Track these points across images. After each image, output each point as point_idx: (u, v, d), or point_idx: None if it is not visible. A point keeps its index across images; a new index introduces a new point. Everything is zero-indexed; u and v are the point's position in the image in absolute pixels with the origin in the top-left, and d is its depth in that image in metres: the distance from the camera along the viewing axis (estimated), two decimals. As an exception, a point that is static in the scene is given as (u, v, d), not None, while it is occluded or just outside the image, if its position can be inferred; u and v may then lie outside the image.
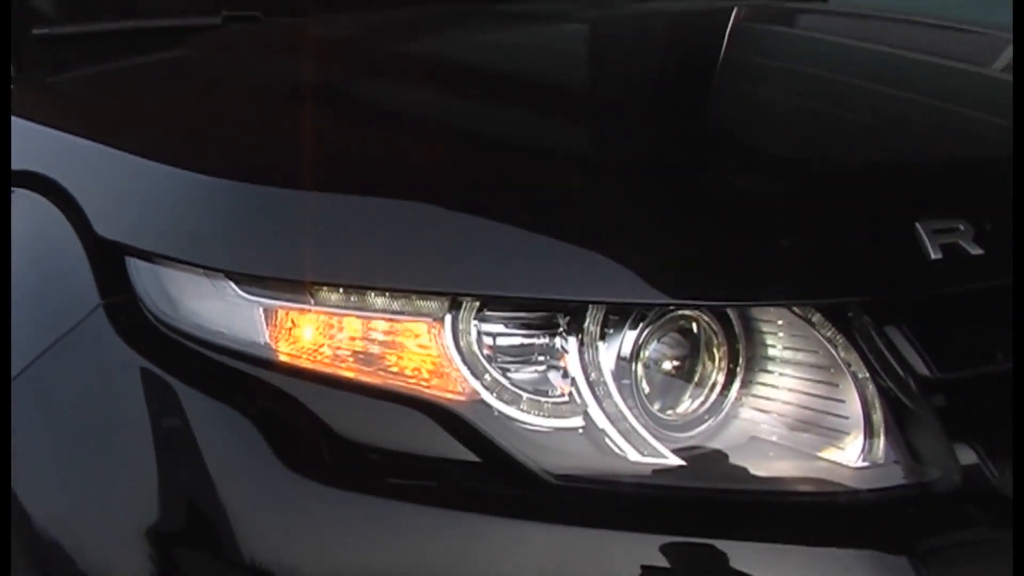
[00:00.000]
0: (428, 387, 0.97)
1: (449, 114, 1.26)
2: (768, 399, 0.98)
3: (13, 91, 1.68)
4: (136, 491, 1.00)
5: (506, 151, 1.14)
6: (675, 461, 0.95)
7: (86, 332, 1.10)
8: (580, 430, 0.95)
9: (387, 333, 0.99)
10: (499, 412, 0.95)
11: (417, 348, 0.98)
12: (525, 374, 0.97)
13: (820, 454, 0.96)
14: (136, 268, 1.11)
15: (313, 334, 1.01)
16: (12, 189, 1.38)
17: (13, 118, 1.56)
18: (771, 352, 0.98)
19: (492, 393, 0.95)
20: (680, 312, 0.97)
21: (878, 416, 0.95)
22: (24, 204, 1.31)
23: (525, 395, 0.96)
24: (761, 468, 0.96)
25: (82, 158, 1.29)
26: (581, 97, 1.39)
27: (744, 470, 0.96)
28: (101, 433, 1.06)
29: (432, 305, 0.97)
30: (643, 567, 0.89)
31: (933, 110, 1.41)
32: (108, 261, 1.13)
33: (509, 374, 0.96)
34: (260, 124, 1.27)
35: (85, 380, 1.09)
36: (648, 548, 0.90)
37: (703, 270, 0.97)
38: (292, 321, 1.01)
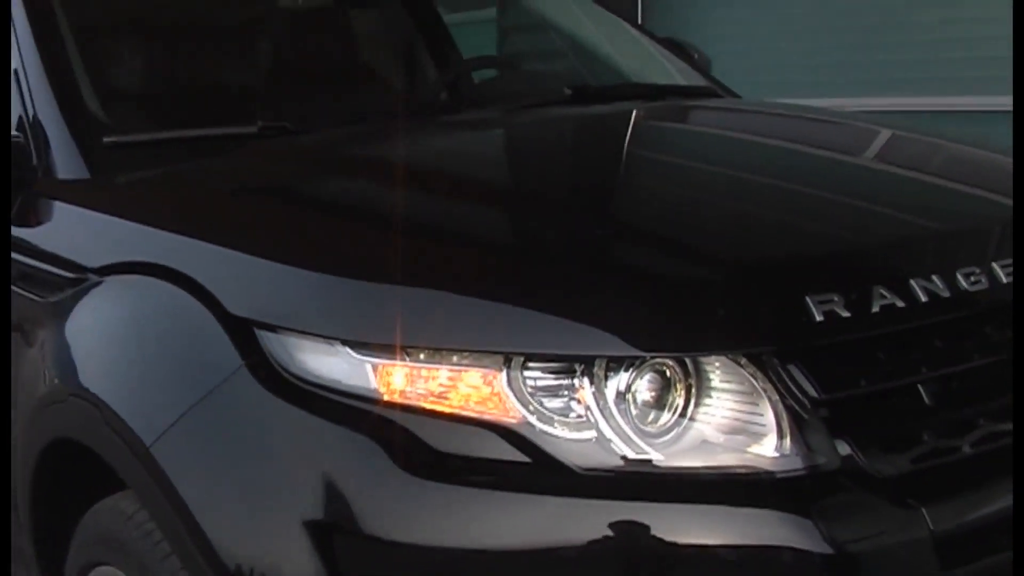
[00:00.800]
0: (491, 414, 1.45)
1: (478, 221, 1.76)
2: (712, 415, 1.48)
3: (96, 190, 2.12)
4: (293, 495, 1.47)
5: (533, 254, 1.63)
6: (656, 457, 1.44)
7: (235, 384, 1.56)
8: (594, 439, 1.44)
9: (460, 379, 1.47)
10: (540, 429, 1.43)
11: (482, 388, 1.46)
12: (556, 403, 1.45)
13: (748, 450, 1.45)
14: (265, 337, 1.57)
15: (406, 381, 1.48)
16: (131, 276, 1.83)
17: (106, 216, 2.01)
18: (713, 383, 1.48)
19: (535, 416, 1.44)
20: (654, 360, 1.47)
21: (785, 424, 1.45)
22: (151, 289, 1.77)
23: (556, 418, 1.44)
24: (710, 459, 1.45)
25: (201, 254, 1.74)
26: (562, 203, 1.89)
27: (699, 460, 1.46)
28: (258, 455, 1.52)
29: (492, 360, 1.45)
30: (638, 521, 1.39)
31: (818, 201, 1.94)
32: (240, 332, 1.59)
33: (545, 404, 1.45)
34: (339, 226, 1.75)
35: (239, 419, 1.55)
36: (642, 510, 1.39)
37: (669, 333, 1.47)
38: (390, 372, 1.49)
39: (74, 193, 2.15)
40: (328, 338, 1.51)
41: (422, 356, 1.47)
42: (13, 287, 2.13)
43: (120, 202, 2.05)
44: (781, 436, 1.45)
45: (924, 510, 1.43)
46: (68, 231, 2.11)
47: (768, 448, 1.45)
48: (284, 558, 1.46)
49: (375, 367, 1.48)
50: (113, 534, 1.80)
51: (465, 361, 1.46)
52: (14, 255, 2.15)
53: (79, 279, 1.95)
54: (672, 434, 1.46)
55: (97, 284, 1.89)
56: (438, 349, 1.47)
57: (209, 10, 2.78)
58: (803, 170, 2.18)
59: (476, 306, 1.48)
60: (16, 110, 2.36)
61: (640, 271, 1.57)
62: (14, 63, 2.42)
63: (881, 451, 1.47)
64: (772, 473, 1.44)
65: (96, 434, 1.72)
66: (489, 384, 1.45)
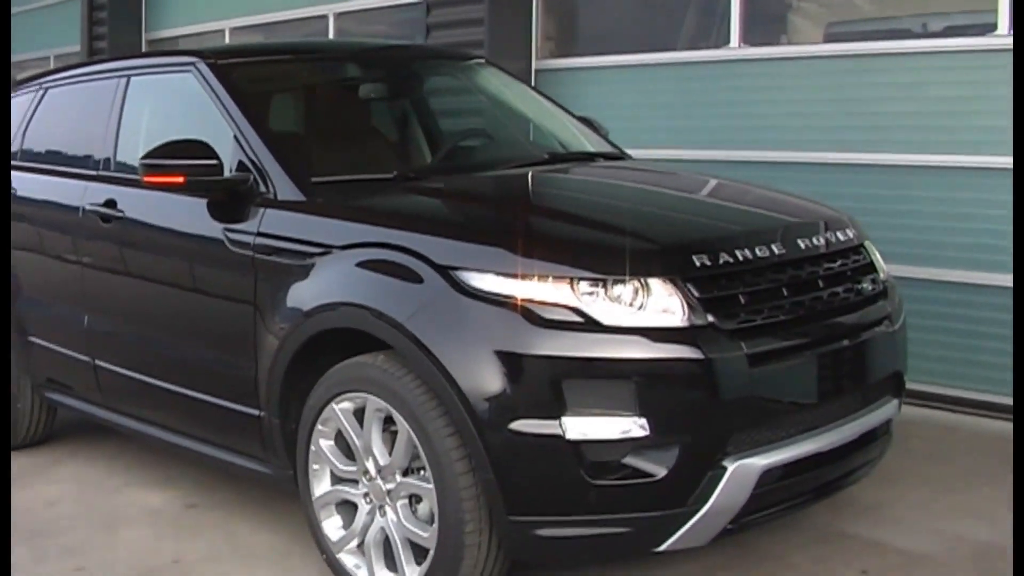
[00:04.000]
0: (564, 301, 3.42)
1: (544, 218, 3.77)
2: (654, 304, 3.43)
3: (315, 206, 4.02)
4: (483, 339, 3.37)
5: (582, 234, 3.63)
6: (632, 320, 3.39)
7: (444, 294, 3.47)
8: (608, 311, 3.40)
9: (551, 287, 3.41)
10: (586, 307, 3.40)
11: (560, 291, 3.41)
12: (593, 297, 3.35)
13: (670, 318, 3.44)
14: (454, 273, 3.52)
15: (526, 289, 3.45)
16: (366, 248, 3.76)
17: (332, 219, 3.92)
18: (654, 290, 3.44)
19: (583, 302, 3.39)
20: (630, 280, 3.45)
21: (684, 307, 3.40)
22: (385, 252, 3.68)
23: (593, 303, 3.38)
24: (654, 322, 3.37)
25: (409, 237, 3.65)
26: (578, 210, 3.92)
27: (649, 322, 3.44)
28: (462, 322, 3.45)
29: (565, 280, 3.41)
30: (626, 344, 3.38)
31: (693, 212, 4.01)
32: (442, 272, 3.53)
33: (588, 297, 3.39)
34: (474, 221, 3.73)
35: (449, 308, 3.47)
36: (626, 340, 3.35)
37: (637, 268, 3.44)
38: (517, 286, 3.44)
39: (301, 208, 4.05)
40: (482, 271, 3.46)
41: (534, 279, 3.44)
42: (270, 257, 4.01)
43: (338, 212, 3.96)
44: (683, 312, 3.43)
45: (742, 343, 3.44)
46: (303, 228, 3.96)
47: (677, 318, 3.42)
48: (484, 367, 3.35)
49: (509, 284, 3.44)
50: (359, 374, 3.68)
51: (551, 281, 3.42)
52: (264, 240, 4.03)
53: (326, 252, 3.84)
54: (639, 311, 3.44)
55: (342, 253, 3.80)
56: (540, 275, 3.43)
57: (345, 98, 4.75)
58: (679, 196, 4.26)
59: (556, 258, 3.46)
60: (238, 157, 4.22)
61: (624, 244, 3.55)
62: (231, 131, 4.29)
63: (724, 319, 3.45)
64: (679, 327, 3.42)
65: (367, 322, 3.61)
66: (562, 290, 3.42)
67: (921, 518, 4.41)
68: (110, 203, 4.75)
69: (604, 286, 3.39)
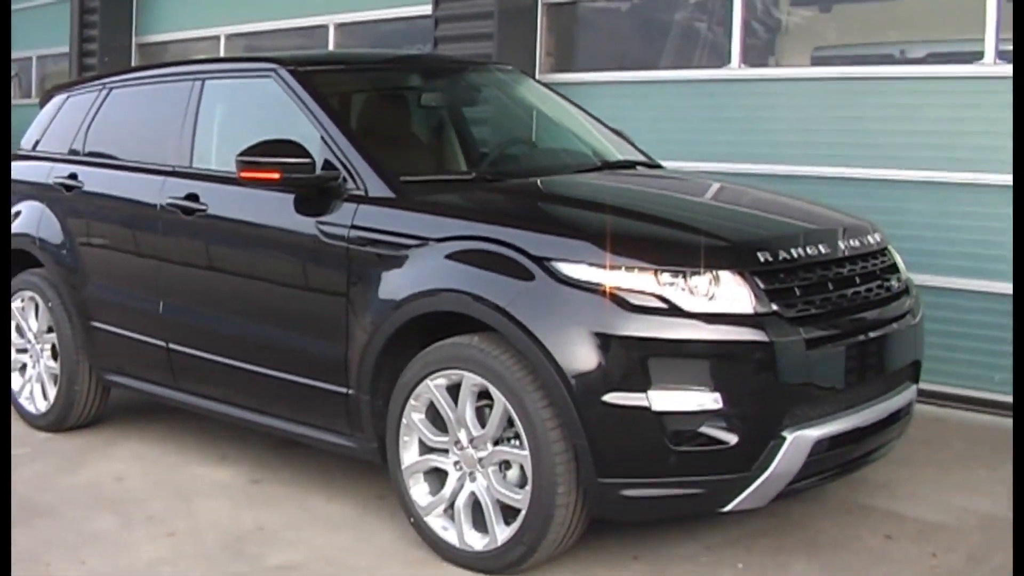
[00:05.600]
0: (649, 289, 3.89)
1: (621, 217, 4.23)
2: (724, 293, 3.90)
3: (407, 202, 4.46)
4: (576, 322, 3.83)
5: (660, 232, 4.12)
6: (706, 306, 3.84)
7: (540, 282, 3.91)
8: (686, 299, 3.89)
9: (636, 277, 3.88)
10: (670, 295, 3.86)
11: (645, 280, 3.89)
12: (674, 286, 3.84)
13: (738, 306, 3.91)
14: (548, 264, 3.97)
15: (613, 278, 3.92)
16: (458, 241, 4.22)
17: (425, 215, 4.36)
18: (723, 282, 3.90)
19: (667, 291, 3.86)
20: (704, 272, 3.91)
21: (752, 297, 3.89)
22: (486, 245, 4.12)
23: (675, 292, 3.85)
24: (725, 308, 3.84)
25: (502, 231, 4.10)
26: (653, 210, 4.40)
27: (721, 309, 3.91)
28: (555, 307, 3.88)
29: (649, 270, 3.89)
30: (702, 327, 3.88)
31: (747, 215, 4.52)
32: (539, 263, 3.98)
33: (670, 286, 3.84)
34: (560, 218, 4.20)
35: (543, 294, 3.91)
36: (701, 325, 3.80)
37: (710, 262, 3.92)
38: (606, 275, 3.91)
39: (393, 204, 4.47)
40: (575, 262, 3.92)
41: (622, 269, 3.91)
42: (365, 248, 4.43)
43: (433, 208, 4.37)
44: (751, 301, 3.93)
45: (800, 328, 3.93)
46: (399, 222, 4.35)
47: (746, 305, 3.91)
48: (580, 346, 3.79)
49: (600, 273, 3.90)
50: (456, 353, 4.10)
51: (637, 271, 3.89)
52: (363, 234, 4.44)
53: (423, 244, 4.26)
54: (712, 299, 3.93)
55: (439, 245, 4.22)
56: (627, 266, 3.90)
57: (411, 104, 5.19)
58: (727, 202, 4.77)
59: (641, 252, 3.93)
60: (324, 156, 4.61)
61: (700, 241, 4.03)
62: (318, 132, 4.70)
63: (784, 308, 3.94)
64: (747, 313, 3.90)
65: (468, 306, 4.04)
66: (647, 279, 3.89)
67: (931, 493, 4.93)
68: (192, 197, 5.12)
69: (683, 277, 3.86)
